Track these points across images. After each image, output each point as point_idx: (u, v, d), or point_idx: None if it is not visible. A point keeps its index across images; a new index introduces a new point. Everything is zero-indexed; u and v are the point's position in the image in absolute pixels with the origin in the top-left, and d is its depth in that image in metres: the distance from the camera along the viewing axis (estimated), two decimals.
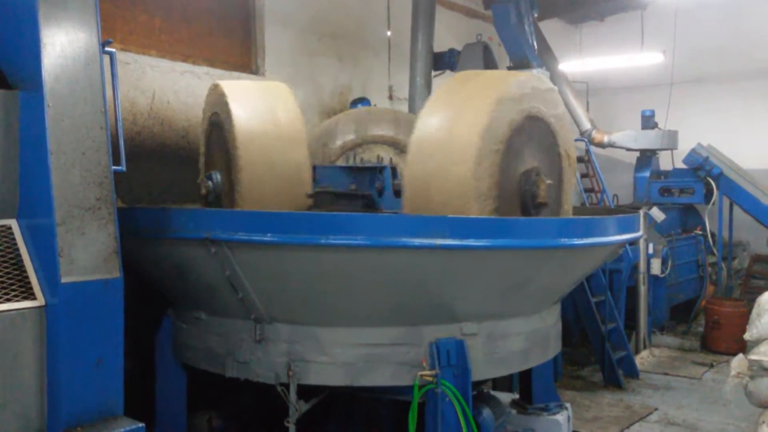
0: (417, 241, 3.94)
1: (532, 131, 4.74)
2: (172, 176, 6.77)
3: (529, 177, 4.65)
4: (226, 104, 5.14)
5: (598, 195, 11.59)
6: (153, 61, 6.88)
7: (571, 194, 5.26)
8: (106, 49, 3.86)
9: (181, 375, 5.10)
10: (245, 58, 8.10)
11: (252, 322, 4.38)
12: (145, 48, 6.94)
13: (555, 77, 10.38)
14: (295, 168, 5.13)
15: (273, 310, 4.33)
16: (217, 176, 5.36)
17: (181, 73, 7.10)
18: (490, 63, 8.84)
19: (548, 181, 4.66)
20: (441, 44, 9.19)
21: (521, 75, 5.04)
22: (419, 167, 4.56)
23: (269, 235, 3.99)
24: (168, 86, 6.95)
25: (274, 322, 4.36)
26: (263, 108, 5.21)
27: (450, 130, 4.50)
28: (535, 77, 4.98)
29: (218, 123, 5.38)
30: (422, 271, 4.11)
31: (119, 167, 3.86)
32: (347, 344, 4.29)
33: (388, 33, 9.96)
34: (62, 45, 3.50)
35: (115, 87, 4.08)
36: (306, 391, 4.43)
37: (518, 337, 4.67)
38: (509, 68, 8.81)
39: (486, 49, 8.86)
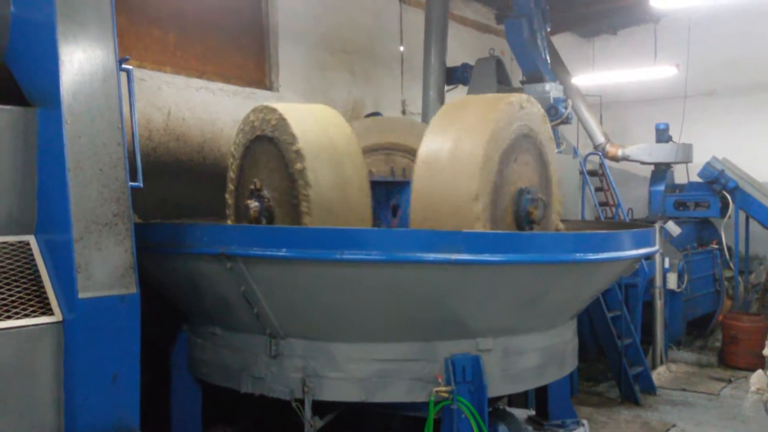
0: (431, 255, 3.93)
1: (523, 149, 4.89)
2: (187, 191, 6.81)
3: (523, 195, 4.79)
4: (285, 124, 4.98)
5: (613, 209, 11.52)
6: (168, 77, 6.94)
7: (558, 206, 5.38)
8: (123, 66, 3.90)
9: (196, 390, 5.11)
10: (259, 74, 8.16)
11: (267, 338, 4.37)
12: (161, 64, 7.01)
13: (568, 91, 10.36)
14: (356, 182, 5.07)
15: (288, 326, 4.33)
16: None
17: (196, 89, 7.16)
18: (502, 77, 8.86)
19: (540, 197, 4.80)
20: (453, 59, 9.22)
21: (512, 97, 5.06)
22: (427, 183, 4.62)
23: (284, 250, 3.99)
24: (183, 102, 7.00)
25: (289, 337, 4.35)
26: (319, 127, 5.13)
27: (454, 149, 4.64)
28: (523, 98, 5.08)
29: (271, 141, 5.06)
30: (437, 286, 4.10)
31: (136, 183, 3.89)
32: (362, 360, 4.27)
33: (401, 48, 10.01)
34: (80, 62, 3.55)
35: (132, 104, 4.12)
36: (321, 407, 4.41)
37: (534, 353, 4.63)
38: (522, 82, 8.82)
39: (499, 64, 8.88)
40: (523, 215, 4.76)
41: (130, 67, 4.08)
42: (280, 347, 4.35)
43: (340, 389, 4.28)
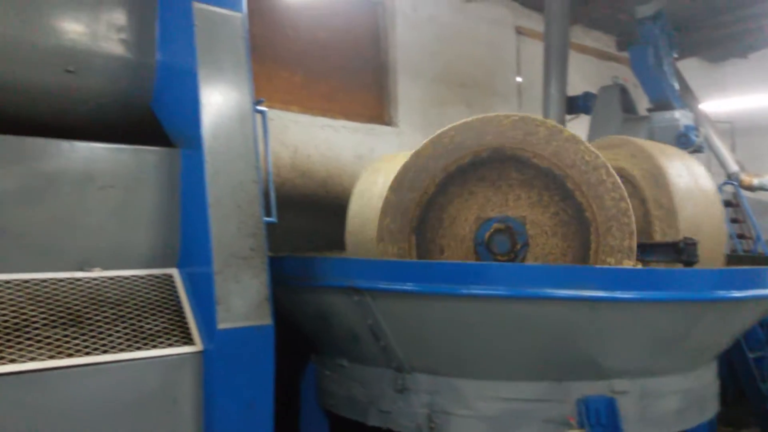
0: (561, 292, 3.79)
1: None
2: (312, 225, 7.01)
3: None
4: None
5: (750, 242, 10.77)
6: (295, 116, 7.22)
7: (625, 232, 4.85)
8: (258, 107, 4.08)
9: (324, 421, 5.17)
10: (379, 110, 8.34)
11: (393, 371, 4.37)
12: (288, 104, 7.31)
13: (697, 117, 9.87)
14: None
15: (414, 360, 4.31)
16: None
17: (320, 127, 7.41)
18: (628, 105, 8.57)
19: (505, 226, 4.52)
20: (572, 87, 9.03)
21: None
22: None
23: (410, 284, 3.99)
24: (309, 140, 7.26)
25: (415, 372, 4.32)
26: None
27: None
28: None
29: None
30: (567, 324, 3.95)
31: (271, 218, 4.03)
32: (489, 398, 4.17)
33: (519, 79, 9.93)
34: (218, 105, 3.74)
35: (267, 143, 4.30)
36: None
37: (674, 396, 4.35)
38: (649, 110, 8.49)
39: (623, 92, 8.61)
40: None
41: (265, 108, 4.26)
42: (406, 381, 4.33)
43: (468, 427, 4.18)
